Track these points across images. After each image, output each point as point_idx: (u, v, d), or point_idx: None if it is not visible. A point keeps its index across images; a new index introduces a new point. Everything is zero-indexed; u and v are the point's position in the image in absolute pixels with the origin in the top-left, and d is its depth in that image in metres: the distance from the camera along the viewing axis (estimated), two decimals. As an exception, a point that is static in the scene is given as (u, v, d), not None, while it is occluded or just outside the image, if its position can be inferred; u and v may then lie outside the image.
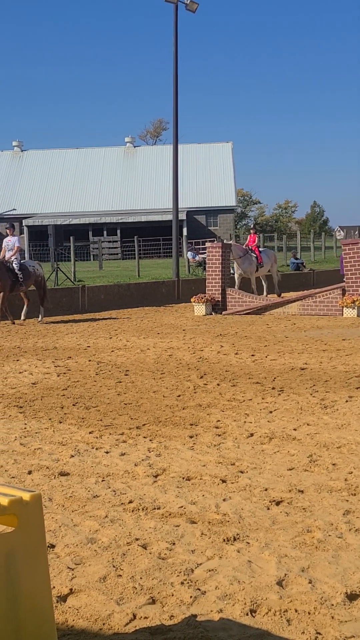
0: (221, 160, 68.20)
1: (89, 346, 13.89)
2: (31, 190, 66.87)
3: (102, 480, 5.81)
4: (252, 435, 7.15)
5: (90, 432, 7.34)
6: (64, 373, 10.85)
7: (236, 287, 23.25)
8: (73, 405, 8.64)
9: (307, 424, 7.52)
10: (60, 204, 65.45)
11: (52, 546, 4.51)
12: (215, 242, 26.10)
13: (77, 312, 21.79)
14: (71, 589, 3.94)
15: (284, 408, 8.29)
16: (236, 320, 19.32)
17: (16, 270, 18.02)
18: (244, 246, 24.59)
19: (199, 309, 21.01)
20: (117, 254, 57.71)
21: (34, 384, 10.04)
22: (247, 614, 3.65)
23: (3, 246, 18.53)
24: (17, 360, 12.18)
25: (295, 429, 7.33)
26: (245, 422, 7.69)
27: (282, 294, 25.00)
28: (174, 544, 4.52)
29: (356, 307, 19.24)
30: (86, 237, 59.39)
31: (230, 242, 24.37)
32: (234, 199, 66.62)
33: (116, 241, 59.76)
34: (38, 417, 8.03)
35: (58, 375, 10.65)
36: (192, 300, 21.63)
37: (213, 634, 3.46)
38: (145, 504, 5.22)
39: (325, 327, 16.99)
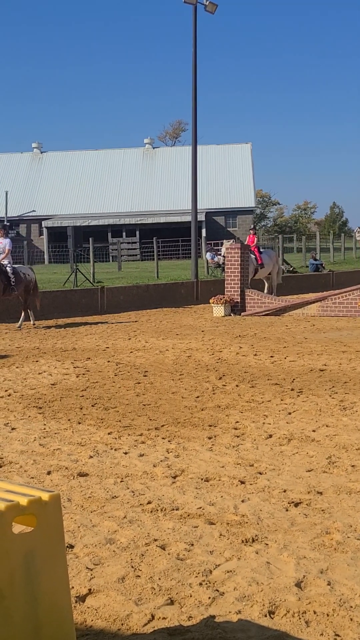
0: (240, 161, 68.13)
1: (108, 347, 13.92)
2: (51, 192, 67.10)
3: (121, 481, 5.82)
4: (270, 436, 7.14)
5: (109, 433, 7.36)
6: (83, 374, 10.88)
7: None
8: (92, 406, 8.66)
9: (326, 426, 7.51)
10: (80, 205, 65.63)
11: (71, 546, 4.52)
12: (234, 242, 26.06)
13: (96, 313, 21.84)
14: (90, 589, 3.95)
15: (303, 409, 8.28)
16: (255, 321, 19.30)
17: (9, 274, 17.37)
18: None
19: (218, 310, 20.99)
20: (136, 255, 57.81)
21: (53, 384, 10.08)
22: (266, 615, 3.65)
23: None
24: (37, 361, 12.23)
25: (314, 431, 7.32)
26: (264, 423, 7.69)
27: (299, 295, 24.87)
28: (192, 544, 4.53)
29: (376, 308, 19.16)
30: (105, 238, 59.50)
31: (230, 242, 23.88)
32: (253, 200, 66.53)
33: (135, 242, 59.86)
34: (57, 418, 8.06)
35: (77, 376, 10.69)
36: (211, 301, 21.61)
37: (231, 635, 3.46)
38: (164, 505, 5.23)
39: (344, 328, 16.93)
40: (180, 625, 3.56)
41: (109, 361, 12.09)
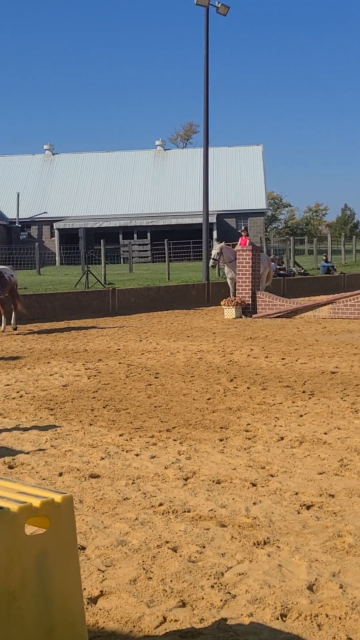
0: (252, 163, 68.06)
1: (119, 349, 13.92)
2: (62, 194, 67.19)
3: (133, 483, 5.82)
4: (282, 438, 7.13)
5: (120, 435, 7.36)
6: (95, 375, 10.89)
7: (231, 292, 22.87)
8: (103, 407, 8.67)
9: (338, 428, 7.49)
10: (91, 207, 65.69)
11: (83, 548, 4.52)
12: (225, 243, 25.94)
13: (108, 314, 21.86)
14: (102, 591, 3.95)
15: (315, 412, 8.26)
16: (266, 323, 19.28)
17: None
18: (235, 249, 23.61)
19: (229, 312, 20.98)
20: (147, 257, 57.80)
21: (64, 386, 10.09)
22: (278, 618, 3.64)
23: None
24: (48, 362, 12.25)
25: (325, 433, 7.30)
26: (275, 425, 7.67)
27: (311, 297, 24.78)
28: (204, 547, 4.52)
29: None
30: (116, 240, 59.53)
31: (221, 244, 23.40)
32: (264, 202, 66.44)
33: (146, 244, 59.86)
34: (69, 420, 8.07)
35: (88, 378, 10.70)
36: (222, 303, 21.61)
37: (243, 638, 3.45)
38: (176, 507, 5.22)
39: (356, 330, 16.89)
40: (192, 628, 3.56)
41: (120, 363, 12.09)
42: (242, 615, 3.68)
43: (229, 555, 4.40)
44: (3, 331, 17.11)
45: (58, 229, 62.37)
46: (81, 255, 31.14)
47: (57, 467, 6.26)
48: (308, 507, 5.21)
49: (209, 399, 9.07)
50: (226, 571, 4.18)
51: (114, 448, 6.87)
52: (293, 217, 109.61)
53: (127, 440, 7.17)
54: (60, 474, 6.04)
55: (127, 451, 6.77)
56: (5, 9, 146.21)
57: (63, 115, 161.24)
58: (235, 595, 3.89)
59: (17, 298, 17.70)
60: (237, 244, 24.31)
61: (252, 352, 13.27)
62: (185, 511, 5.16)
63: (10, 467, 6.23)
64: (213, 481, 5.83)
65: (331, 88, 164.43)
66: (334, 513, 5.08)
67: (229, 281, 23.27)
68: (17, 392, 9.66)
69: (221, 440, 7.10)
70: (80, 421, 7.98)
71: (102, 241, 33.12)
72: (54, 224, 63.18)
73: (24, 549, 2.81)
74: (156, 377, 10.64)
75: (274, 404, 8.70)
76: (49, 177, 69.04)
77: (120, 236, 61.08)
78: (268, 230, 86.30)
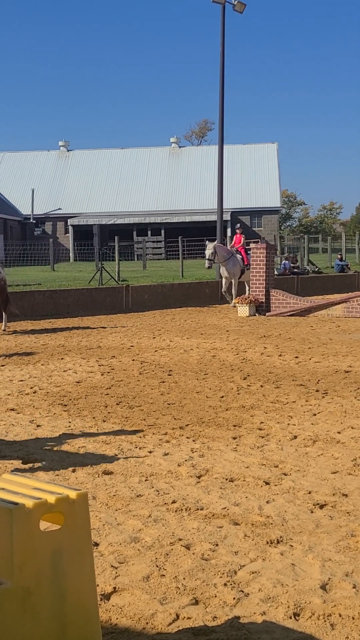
0: (266, 161, 67.96)
1: (132, 346, 13.94)
2: (77, 190, 67.30)
3: (146, 480, 5.83)
4: (295, 437, 7.12)
5: (133, 432, 7.37)
6: (108, 372, 10.91)
7: (224, 289, 22.82)
8: (117, 404, 8.68)
9: (352, 427, 7.47)
10: (105, 203, 65.77)
11: (96, 544, 4.53)
12: (260, 242, 25.87)
13: (121, 311, 21.88)
14: (115, 588, 3.96)
15: (328, 411, 8.25)
16: (280, 321, 19.25)
17: None
18: (229, 247, 23.54)
19: (243, 310, 20.95)
20: (160, 254, 57.82)
21: (78, 382, 10.11)
22: (291, 617, 3.64)
23: None
24: (62, 358, 12.28)
25: (339, 432, 7.28)
26: (288, 424, 7.66)
27: (325, 296, 24.67)
28: (217, 545, 4.52)
29: None
30: (130, 237, 59.57)
31: (214, 243, 23.06)
32: (278, 200, 66.34)
33: (160, 241, 59.87)
34: (82, 416, 8.09)
35: (102, 374, 10.71)
36: (235, 301, 21.59)
37: (256, 637, 3.45)
38: (189, 505, 5.23)
39: (370, 329, 16.84)
40: (205, 626, 3.56)
41: (133, 360, 12.10)
42: (255, 613, 3.68)
43: (242, 553, 4.40)
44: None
45: (72, 225, 62.45)
46: (95, 252, 31.18)
47: (71, 463, 6.27)
48: (321, 507, 5.20)
49: (222, 396, 9.07)
50: (239, 569, 4.18)
51: (127, 445, 6.88)
52: (307, 215, 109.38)
53: (140, 437, 7.18)
54: (74, 470, 6.06)
55: (140, 448, 6.78)
56: (21, 5, 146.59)
57: (78, 112, 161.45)
58: (248, 594, 3.89)
59: (7, 297, 16.54)
60: (249, 242, 24.21)
61: (265, 350, 13.25)
62: (198, 509, 5.16)
63: (24, 463, 6.25)
64: (226, 479, 5.83)
65: (347, 86, 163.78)
66: (347, 512, 5.07)
67: (223, 280, 23.05)
68: (31, 387, 9.69)
69: (234, 438, 7.10)
70: (94, 417, 8.00)
71: (116, 238, 33.15)
72: (68, 220, 63.28)
73: (39, 545, 2.82)
74: (169, 375, 10.64)
75: (288, 403, 8.69)
76: (63, 174, 69.16)
77: (134, 233, 61.12)
78: (282, 228, 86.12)
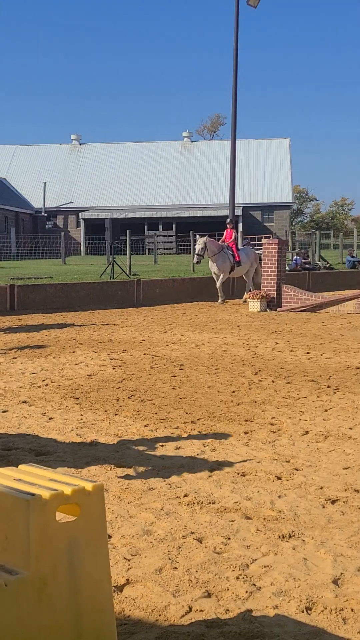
0: (278, 156, 67.87)
1: (143, 340, 13.96)
2: (88, 184, 67.36)
3: (157, 473, 5.84)
4: (307, 433, 7.13)
5: (145, 425, 7.39)
6: (119, 366, 10.93)
7: (217, 286, 22.46)
8: (128, 397, 8.70)
9: (363, 424, 7.47)
10: (117, 197, 65.81)
11: (109, 537, 4.55)
12: (272, 238, 25.80)
13: (132, 305, 21.91)
14: (127, 580, 3.99)
15: (340, 407, 8.25)
16: (291, 317, 19.24)
17: None
18: (219, 242, 23.12)
19: (254, 305, 20.95)
20: (172, 248, 57.81)
21: (89, 375, 10.14)
22: (303, 612, 3.66)
23: None
24: (73, 352, 12.31)
25: (350, 428, 7.29)
26: (300, 419, 7.67)
27: (336, 292, 24.58)
28: (229, 538, 4.54)
29: None
30: (142, 231, 59.61)
31: (205, 238, 22.52)
32: (290, 196, 66.26)
33: (171, 235, 59.85)
34: (94, 409, 8.12)
35: (113, 368, 10.74)
36: (246, 296, 21.59)
37: (268, 630, 3.47)
38: (201, 498, 5.25)
39: (381, 326, 16.81)
40: (217, 618, 3.58)
41: (144, 354, 12.13)
42: (267, 607, 3.70)
43: (254, 547, 4.42)
44: None
45: (84, 219, 62.56)
46: (107, 246, 31.20)
47: (83, 455, 6.30)
48: (333, 502, 5.21)
49: (233, 391, 9.08)
50: (251, 563, 4.20)
51: (139, 438, 6.90)
52: (319, 211, 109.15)
53: (152, 430, 7.20)
54: (87, 463, 6.08)
55: (152, 441, 6.79)
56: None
57: (91, 106, 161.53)
58: (260, 587, 3.90)
59: None
60: (261, 238, 24.12)
61: (276, 345, 13.26)
62: (210, 502, 5.18)
63: (37, 455, 6.28)
64: (238, 473, 5.85)
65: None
66: (359, 508, 5.08)
67: (214, 276, 22.59)
68: (43, 380, 9.72)
69: (246, 433, 7.12)
70: (106, 411, 8.02)
71: (127, 232, 33.13)
72: (80, 213, 63.38)
73: (55, 535, 2.84)
74: (181, 369, 10.66)
75: (299, 398, 8.70)
76: (75, 167, 69.22)
77: (146, 227, 61.13)
78: (293, 224, 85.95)
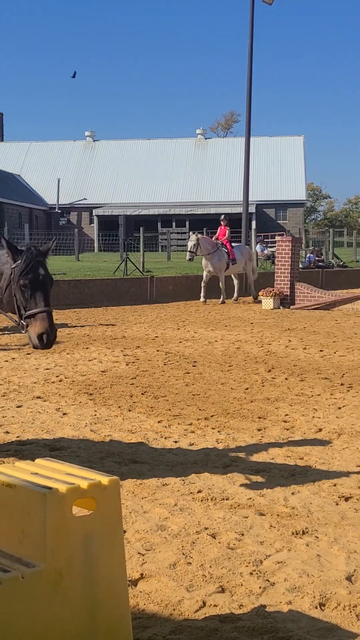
0: (292, 154, 67.67)
1: (157, 336, 13.98)
2: (102, 180, 67.37)
3: (171, 469, 5.87)
4: (320, 430, 7.13)
5: (159, 422, 7.41)
6: (133, 362, 10.96)
7: (204, 281, 21.73)
8: (142, 394, 8.73)
9: (377, 422, 7.47)
10: (131, 194, 65.81)
11: (123, 531, 4.57)
12: (285, 235, 25.74)
13: (145, 302, 21.94)
14: (142, 574, 4.01)
15: (353, 404, 8.25)
16: (304, 315, 19.22)
17: None
18: (213, 239, 22.61)
19: (267, 302, 20.93)
20: (185, 245, 57.78)
21: (103, 371, 10.17)
22: (316, 607, 3.67)
23: None
24: (87, 348, 12.34)
25: (364, 426, 7.28)
26: (313, 417, 7.68)
27: (350, 290, 24.51)
28: (242, 534, 4.56)
29: None
30: (155, 228, 59.58)
31: (197, 235, 22.01)
32: (304, 193, 66.08)
33: (185, 232, 59.78)
34: (108, 405, 8.14)
35: (127, 364, 10.76)
36: (260, 293, 21.57)
37: (282, 625, 3.48)
38: (214, 494, 5.26)
39: (395, 324, 16.77)
40: (231, 613, 3.60)
41: (158, 350, 12.15)
42: (280, 602, 3.72)
43: (268, 543, 4.43)
44: None
45: (97, 216, 62.57)
46: (120, 243, 31.22)
47: (97, 451, 6.32)
48: (346, 499, 5.22)
49: (247, 388, 9.09)
50: (265, 559, 4.21)
51: (153, 434, 6.93)
52: (332, 208, 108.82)
53: (165, 427, 7.22)
54: (101, 458, 6.11)
55: (165, 438, 6.82)
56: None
57: (105, 103, 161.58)
58: (274, 583, 3.92)
59: None
60: (274, 235, 24.07)
61: (290, 343, 13.25)
62: (224, 499, 5.19)
63: (52, 450, 6.31)
64: (251, 470, 5.86)
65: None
66: (373, 506, 5.09)
67: (205, 273, 21.85)
68: (57, 376, 9.76)
69: (259, 430, 7.13)
70: (119, 407, 8.05)
71: (141, 229, 33.22)
72: (93, 210, 63.39)
73: (71, 529, 2.87)
74: (194, 366, 10.68)
75: (312, 396, 8.70)
76: (89, 164, 69.25)
77: (159, 224, 61.13)
78: (307, 221, 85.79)
